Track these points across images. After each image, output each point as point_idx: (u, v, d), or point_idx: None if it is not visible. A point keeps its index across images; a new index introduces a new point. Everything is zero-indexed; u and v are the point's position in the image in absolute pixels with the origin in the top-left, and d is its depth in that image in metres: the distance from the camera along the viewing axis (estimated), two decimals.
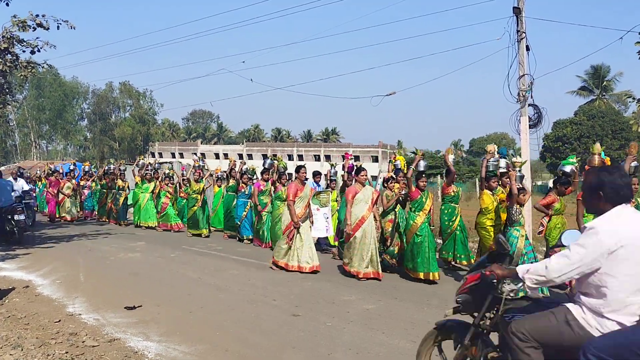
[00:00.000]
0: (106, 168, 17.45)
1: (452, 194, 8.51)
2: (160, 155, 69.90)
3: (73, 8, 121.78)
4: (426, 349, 3.50)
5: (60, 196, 16.81)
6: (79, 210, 17.34)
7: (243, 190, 12.31)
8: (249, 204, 12.08)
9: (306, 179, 8.83)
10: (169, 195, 14.45)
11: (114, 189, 16.12)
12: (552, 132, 45.29)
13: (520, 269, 2.84)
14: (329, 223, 9.64)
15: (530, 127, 10.53)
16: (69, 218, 16.68)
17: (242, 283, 7.67)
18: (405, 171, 8.78)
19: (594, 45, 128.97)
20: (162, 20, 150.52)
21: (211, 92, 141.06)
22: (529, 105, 10.54)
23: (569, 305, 2.77)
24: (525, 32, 10.36)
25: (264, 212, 11.25)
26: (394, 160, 9.22)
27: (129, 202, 16.44)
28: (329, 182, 11.33)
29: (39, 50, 11.01)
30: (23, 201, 14.23)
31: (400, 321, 5.70)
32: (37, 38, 10.99)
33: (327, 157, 67.73)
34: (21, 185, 15.12)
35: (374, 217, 8.10)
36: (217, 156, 74.03)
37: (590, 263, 2.59)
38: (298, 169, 8.75)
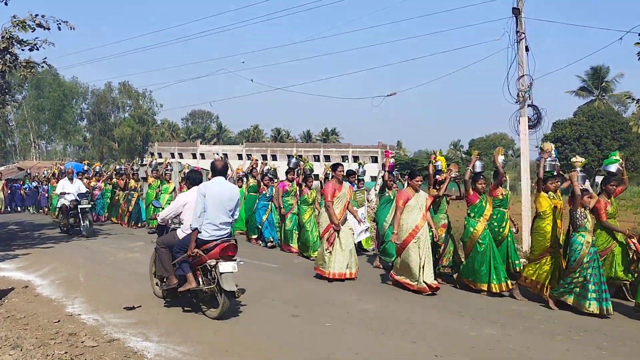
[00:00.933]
0: (117, 168, 16.78)
1: (501, 197, 7.72)
2: (160, 155, 69.88)
3: (72, 8, 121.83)
4: (151, 262, 6.70)
5: None
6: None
7: (264, 192, 11.63)
8: (269, 206, 11.51)
9: (344, 179, 8.19)
10: None
11: (126, 190, 15.50)
12: (551, 132, 45.28)
13: (158, 214, 6.70)
14: (366, 223, 9.33)
15: (529, 128, 10.55)
16: None
17: (241, 283, 7.63)
18: (444, 171, 8.15)
19: (594, 46, 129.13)
20: (162, 20, 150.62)
21: (211, 93, 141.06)
22: (529, 105, 10.55)
23: (177, 229, 6.20)
24: (524, 33, 10.38)
25: (290, 214, 10.63)
26: (434, 161, 8.44)
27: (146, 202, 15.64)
28: (357, 182, 10.68)
29: (37, 48, 11.00)
30: (79, 206, 12.77)
31: (399, 321, 5.70)
32: (36, 38, 10.99)
33: (327, 158, 67.77)
34: (77, 187, 13.40)
35: (429, 225, 7.35)
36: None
37: (176, 210, 6.22)
38: (335, 167, 8.16)
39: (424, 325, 5.57)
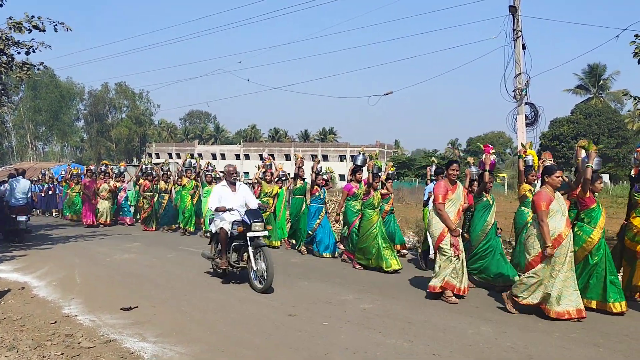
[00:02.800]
0: (143, 168, 16.05)
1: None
2: (157, 156, 69.81)
3: (70, 8, 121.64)
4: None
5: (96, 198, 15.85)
6: (113, 214, 16.36)
7: (317, 193, 10.37)
8: (323, 210, 10.37)
9: (457, 179, 6.92)
10: None
11: (151, 192, 14.89)
12: (548, 130, 45.45)
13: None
14: None
15: (526, 126, 10.59)
16: (108, 221, 15.84)
17: (239, 283, 7.66)
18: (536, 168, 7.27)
19: (591, 44, 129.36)
20: (159, 20, 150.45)
21: (208, 93, 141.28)
22: (526, 103, 10.60)
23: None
24: (521, 31, 10.41)
25: (358, 220, 9.11)
26: (524, 156, 7.50)
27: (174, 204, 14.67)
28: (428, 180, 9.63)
29: (34, 51, 10.98)
30: (248, 234, 7.21)
31: (397, 321, 5.69)
32: (32, 39, 10.97)
33: (325, 157, 67.79)
34: (243, 198, 7.79)
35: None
36: (214, 156, 74.04)
37: (3, 193, 12.47)
38: (449, 164, 6.93)
39: (421, 324, 5.56)
